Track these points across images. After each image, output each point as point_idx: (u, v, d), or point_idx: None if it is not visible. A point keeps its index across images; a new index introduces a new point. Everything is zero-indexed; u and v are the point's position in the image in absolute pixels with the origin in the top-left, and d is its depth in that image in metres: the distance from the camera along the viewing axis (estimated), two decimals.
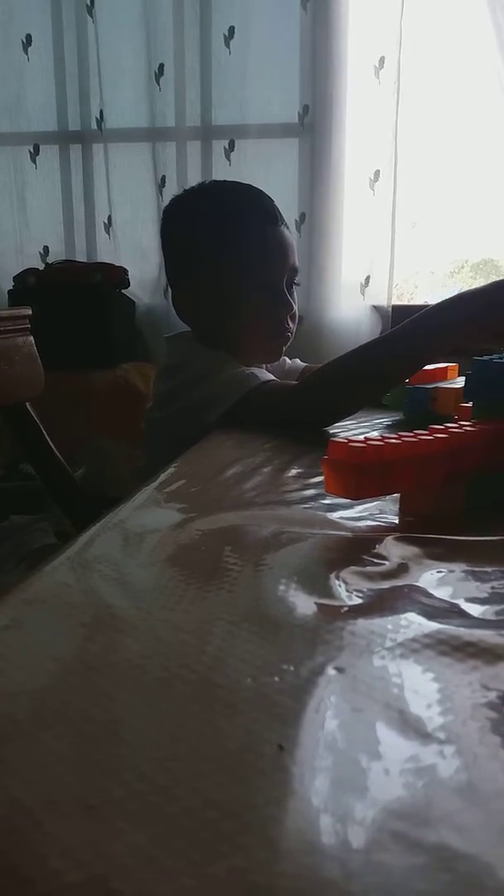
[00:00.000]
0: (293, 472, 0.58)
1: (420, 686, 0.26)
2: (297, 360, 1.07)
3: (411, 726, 0.24)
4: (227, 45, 1.95)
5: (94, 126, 2.08)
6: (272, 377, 0.86)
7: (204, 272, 0.93)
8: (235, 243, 0.91)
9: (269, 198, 0.95)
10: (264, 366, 0.96)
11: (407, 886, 0.18)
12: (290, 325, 0.94)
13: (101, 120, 2.06)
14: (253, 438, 0.71)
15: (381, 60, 1.84)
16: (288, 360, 1.06)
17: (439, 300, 0.71)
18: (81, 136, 2.12)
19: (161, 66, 1.98)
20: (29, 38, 2.07)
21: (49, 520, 1.12)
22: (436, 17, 1.86)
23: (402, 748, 0.23)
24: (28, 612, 0.33)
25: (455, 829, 0.19)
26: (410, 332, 0.72)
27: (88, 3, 2.01)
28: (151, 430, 0.93)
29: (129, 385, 1.90)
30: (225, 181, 1.04)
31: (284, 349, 0.97)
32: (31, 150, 2.13)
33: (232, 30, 1.94)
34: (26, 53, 2.08)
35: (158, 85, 2.00)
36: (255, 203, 0.94)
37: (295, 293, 0.95)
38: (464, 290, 0.76)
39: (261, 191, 0.96)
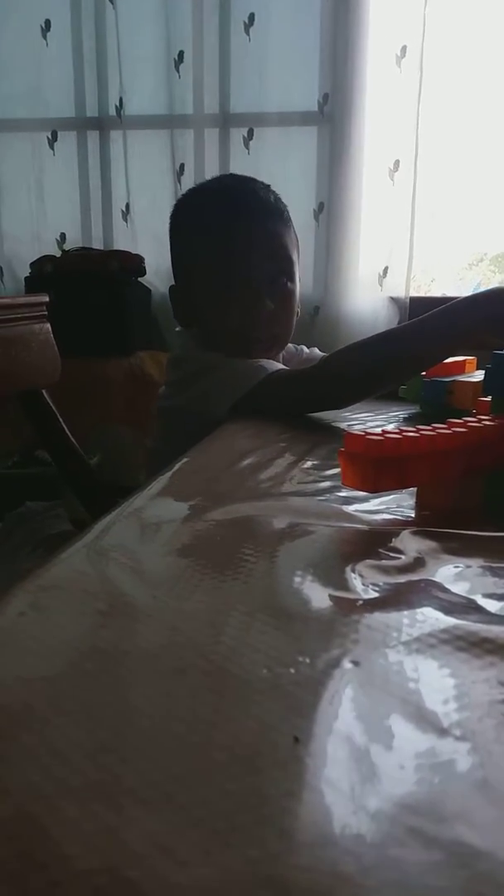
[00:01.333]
0: (308, 463, 0.58)
1: (436, 682, 0.26)
2: (315, 350, 1.06)
3: (427, 722, 0.24)
4: (247, 32, 1.93)
5: (112, 113, 2.07)
6: (284, 367, 0.86)
7: (180, 275, 0.94)
8: (202, 244, 0.88)
9: (250, 189, 0.90)
10: (281, 358, 0.96)
11: (423, 882, 0.18)
12: (274, 327, 0.88)
13: (119, 107, 2.05)
14: (268, 429, 0.71)
15: (404, 49, 1.82)
16: (306, 349, 1.05)
17: (468, 294, 0.71)
18: (99, 123, 2.11)
19: (181, 53, 1.97)
20: (48, 23, 2.06)
21: (64, 507, 1.12)
22: (460, 5, 1.83)
23: (418, 743, 0.23)
24: (45, 598, 0.33)
25: (471, 826, 0.19)
26: (438, 320, 0.72)
27: None
28: (161, 416, 0.94)
29: (143, 373, 1.90)
30: (228, 176, 1.02)
31: (275, 348, 0.91)
32: (49, 137, 2.13)
33: (252, 17, 1.92)
34: (45, 39, 2.07)
35: (178, 72, 1.99)
36: (219, 200, 0.90)
37: (289, 288, 0.89)
38: (483, 283, 0.75)
39: (240, 182, 0.93)
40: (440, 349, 0.74)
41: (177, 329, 1.00)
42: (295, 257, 0.92)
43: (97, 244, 2.15)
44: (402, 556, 0.38)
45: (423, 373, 0.79)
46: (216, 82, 1.99)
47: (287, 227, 0.91)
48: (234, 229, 0.87)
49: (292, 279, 0.91)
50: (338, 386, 0.77)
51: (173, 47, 1.98)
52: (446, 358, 0.77)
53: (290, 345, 1.00)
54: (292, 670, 0.26)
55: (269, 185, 0.94)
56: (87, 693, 0.25)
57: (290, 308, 0.91)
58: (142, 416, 1.74)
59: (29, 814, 0.20)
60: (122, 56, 2.02)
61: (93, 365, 1.85)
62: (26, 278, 2.04)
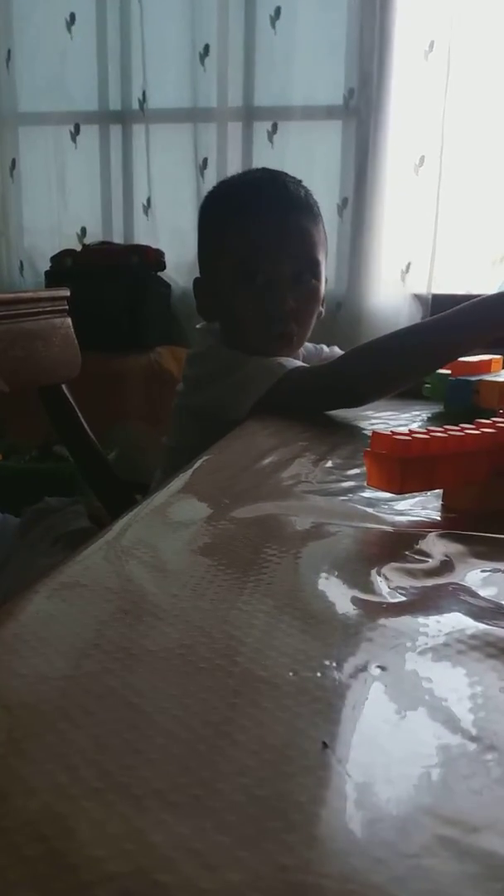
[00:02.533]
0: (331, 462, 0.58)
1: (466, 688, 0.26)
2: (336, 348, 1.05)
3: (458, 729, 0.23)
4: (273, 25, 1.92)
5: (135, 106, 2.07)
6: (303, 364, 0.86)
7: (206, 266, 0.94)
8: (229, 235, 0.88)
9: (281, 183, 0.89)
10: (300, 356, 0.95)
11: (456, 894, 0.17)
12: (292, 323, 0.86)
13: (143, 101, 2.05)
14: (289, 428, 0.70)
15: (431, 44, 1.80)
16: (326, 348, 1.05)
17: (490, 293, 0.70)
18: (122, 117, 2.11)
19: (206, 47, 1.97)
20: (73, 16, 2.06)
21: (83, 502, 1.12)
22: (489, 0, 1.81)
23: (449, 751, 0.22)
24: (67, 595, 0.33)
25: None
26: (458, 315, 0.73)
27: None
28: (177, 414, 0.93)
29: (162, 369, 1.90)
30: (260, 169, 1.00)
31: (293, 347, 0.90)
32: (72, 130, 2.13)
33: (278, 10, 1.91)
34: (69, 32, 2.07)
35: (203, 66, 1.98)
36: (248, 191, 0.89)
37: (314, 287, 0.88)
38: None
39: (271, 176, 0.92)
40: (461, 344, 0.74)
41: (197, 326, 1.00)
42: (321, 256, 0.90)
43: (118, 238, 2.16)
44: (429, 560, 0.37)
45: (449, 371, 0.78)
46: (241, 76, 1.99)
47: (316, 224, 0.90)
48: (262, 222, 0.86)
49: (317, 277, 0.89)
50: (359, 382, 0.76)
51: (198, 41, 1.97)
52: (467, 352, 0.76)
53: (308, 344, 0.99)
54: (319, 674, 0.26)
55: (300, 181, 0.93)
56: (111, 692, 0.25)
57: (312, 306, 0.90)
58: (159, 412, 1.74)
59: (57, 814, 0.19)
60: (146, 50, 2.02)
61: (111, 360, 1.86)
62: (46, 272, 2.05)
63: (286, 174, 0.93)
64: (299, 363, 0.85)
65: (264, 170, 0.97)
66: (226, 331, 0.92)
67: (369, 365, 0.77)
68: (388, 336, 0.79)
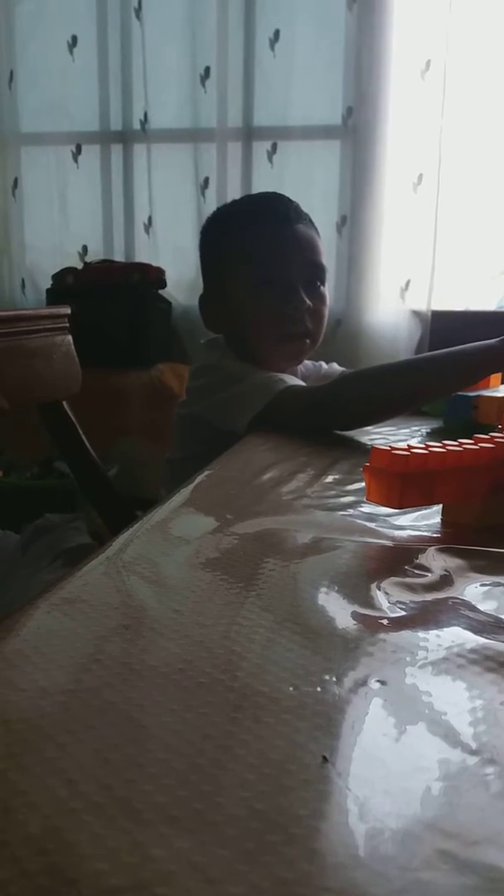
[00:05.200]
0: (330, 478, 0.58)
1: (466, 702, 0.26)
2: (335, 365, 1.06)
3: (458, 743, 0.23)
4: (272, 48, 1.95)
5: (136, 127, 2.10)
6: (301, 383, 0.87)
7: (210, 285, 0.98)
8: (230, 248, 0.93)
9: (286, 200, 0.95)
10: (299, 373, 0.96)
11: None
12: (308, 323, 0.91)
13: (144, 121, 2.08)
14: (289, 443, 0.71)
15: (427, 63, 1.82)
16: (325, 364, 1.05)
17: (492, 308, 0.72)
18: (123, 137, 2.13)
19: (207, 69, 1.99)
20: (74, 38, 2.09)
21: (84, 519, 1.12)
22: (484, 19, 1.83)
23: (448, 765, 0.22)
24: (68, 610, 0.33)
25: None
26: (462, 353, 0.75)
27: (136, 5, 2.02)
28: (178, 424, 0.95)
29: (163, 385, 1.91)
30: (254, 194, 1.07)
31: (307, 349, 0.94)
32: (74, 150, 2.16)
33: (277, 33, 1.94)
34: (71, 54, 2.10)
35: (203, 87, 2.01)
36: (259, 206, 0.95)
37: (323, 292, 0.93)
38: None
39: (277, 195, 0.97)
40: (453, 385, 0.77)
41: (202, 341, 1.01)
42: (326, 265, 0.96)
43: (119, 256, 2.17)
44: (429, 574, 0.37)
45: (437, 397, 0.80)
46: (240, 97, 2.01)
47: (318, 235, 0.96)
48: (279, 229, 0.91)
49: (324, 282, 0.94)
50: (349, 408, 0.78)
51: (199, 63, 2.00)
52: (459, 390, 0.78)
53: (307, 361, 1.00)
54: (319, 689, 0.26)
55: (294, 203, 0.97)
56: (112, 707, 0.25)
57: (325, 308, 0.94)
58: (160, 428, 1.75)
59: (57, 828, 0.20)
60: (147, 71, 2.05)
61: (113, 377, 1.87)
62: (48, 290, 2.06)
63: (280, 195, 0.98)
64: (297, 381, 0.86)
65: (258, 193, 1.02)
66: (235, 342, 0.94)
67: (361, 392, 0.79)
68: (383, 366, 0.84)
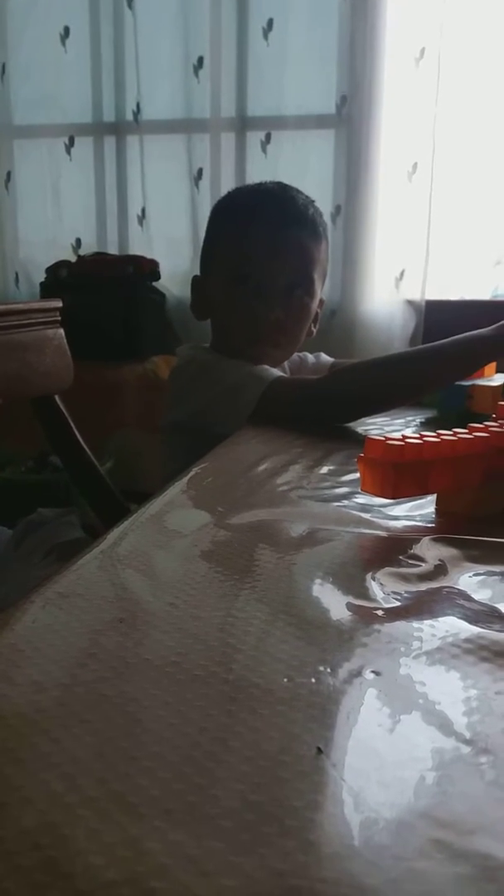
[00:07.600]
0: (325, 469, 0.58)
1: (459, 692, 0.26)
2: (322, 355, 1.05)
3: (452, 733, 0.23)
4: (266, 37, 1.94)
5: (129, 118, 2.08)
6: (281, 374, 0.86)
7: (205, 265, 0.96)
8: (226, 240, 0.90)
9: (285, 199, 0.90)
10: (286, 366, 0.95)
11: None
12: (276, 334, 0.87)
13: (137, 112, 2.06)
14: (282, 435, 0.70)
15: (422, 51, 1.81)
16: (310, 356, 1.04)
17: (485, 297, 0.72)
18: (116, 128, 2.12)
19: (200, 59, 1.98)
20: (67, 30, 2.07)
21: (77, 513, 1.12)
22: (478, 7, 1.82)
23: (443, 754, 0.22)
24: (62, 605, 0.33)
25: (498, 839, 0.19)
26: (454, 344, 0.74)
27: None
28: (164, 433, 0.92)
29: (157, 378, 1.90)
30: (275, 182, 1.00)
31: (280, 353, 0.91)
32: (66, 142, 2.14)
33: (271, 22, 1.92)
34: (63, 45, 2.08)
35: (197, 77, 1.99)
36: (271, 205, 0.90)
37: (305, 302, 0.89)
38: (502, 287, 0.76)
39: (278, 191, 0.93)
40: (444, 375, 0.76)
41: (177, 349, 0.99)
42: (317, 275, 0.90)
43: (112, 249, 2.16)
44: (423, 564, 0.37)
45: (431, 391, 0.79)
46: (234, 87, 2.00)
47: (318, 243, 0.90)
48: (260, 229, 0.87)
49: (310, 294, 0.90)
50: (347, 404, 0.77)
51: (192, 53, 1.98)
52: (449, 383, 0.77)
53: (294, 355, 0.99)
54: (313, 680, 0.26)
55: (313, 201, 0.93)
56: (105, 701, 0.25)
57: (301, 323, 0.90)
58: (155, 422, 1.74)
59: (52, 823, 0.20)
60: (140, 62, 2.03)
61: (107, 370, 1.86)
62: (41, 283, 2.05)
63: (300, 192, 0.93)
64: (277, 372, 0.85)
65: (278, 183, 0.97)
66: (215, 330, 0.93)
67: (352, 385, 0.78)
68: (382, 357, 0.82)
